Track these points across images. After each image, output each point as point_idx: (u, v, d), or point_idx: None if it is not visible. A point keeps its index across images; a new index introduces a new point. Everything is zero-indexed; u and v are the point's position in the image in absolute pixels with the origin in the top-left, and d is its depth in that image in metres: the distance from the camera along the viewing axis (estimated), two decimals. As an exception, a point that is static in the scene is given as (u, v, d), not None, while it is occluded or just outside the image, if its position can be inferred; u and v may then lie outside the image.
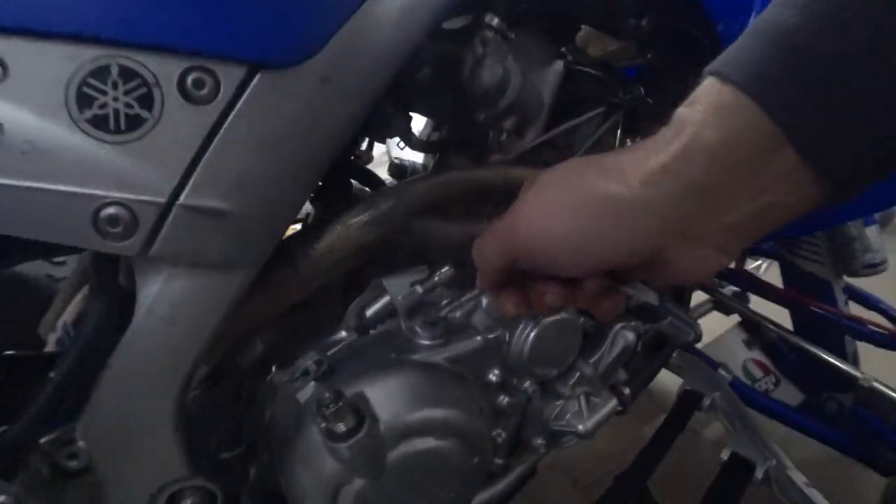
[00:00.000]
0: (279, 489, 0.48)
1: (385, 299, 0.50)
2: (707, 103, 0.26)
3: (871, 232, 0.71)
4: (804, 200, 0.25)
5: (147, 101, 0.32)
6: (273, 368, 0.50)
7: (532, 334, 0.50)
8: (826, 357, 0.68)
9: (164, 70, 0.32)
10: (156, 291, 0.36)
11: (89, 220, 0.32)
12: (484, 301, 0.50)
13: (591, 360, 0.56)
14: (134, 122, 0.32)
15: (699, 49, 0.56)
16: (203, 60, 0.33)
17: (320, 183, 0.49)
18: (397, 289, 0.50)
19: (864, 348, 0.78)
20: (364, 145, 0.67)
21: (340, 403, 0.39)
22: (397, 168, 0.67)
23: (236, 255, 0.38)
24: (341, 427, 0.39)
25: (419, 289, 0.49)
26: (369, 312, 0.50)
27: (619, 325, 0.57)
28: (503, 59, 0.51)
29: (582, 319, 0.54)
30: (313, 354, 0.44)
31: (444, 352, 0.50)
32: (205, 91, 0.33)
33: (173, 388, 0.39)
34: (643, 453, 0.61)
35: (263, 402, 0.50)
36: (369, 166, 0.64)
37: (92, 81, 0.31)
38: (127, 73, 0.32)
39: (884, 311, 0.82)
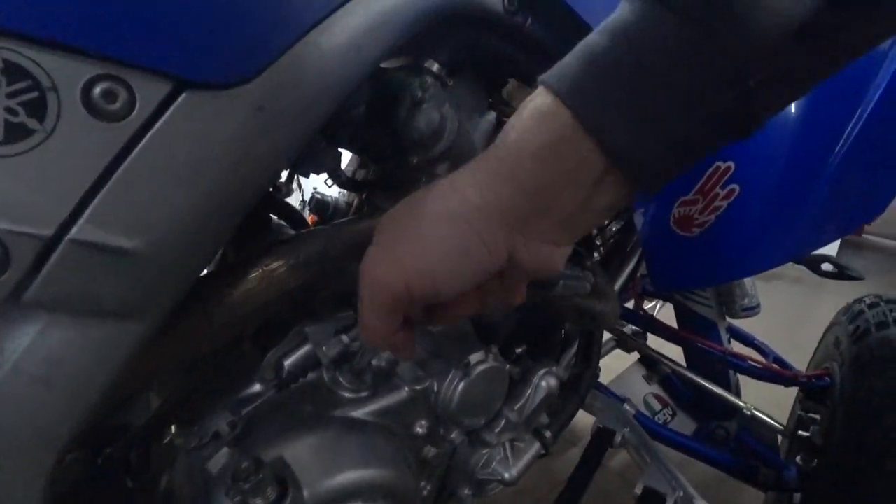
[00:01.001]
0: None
1: (306, 348, 0.46)
2: (532, 109, 0.28)
3: (748, 280, 0.83)
4: (617, 196, 0.29)
5: (38, 108, 0.26)
6: (172, 428, 0.42)
7: (461, 384, 0.49)
8: (713, 389, 0.77)
9: (65, 74, 0.27)
10: (27, 344, 0.29)
11: (-62, 254, 0.25)
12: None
13: (517, 407, 0.56)
14: (17, 132, 0.26)
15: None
16: (118, 69, 0.28)
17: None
18: (320, 337, 0.46)
19: (744, 380, 0.89)
20: (284, 177, 0.62)
21: (261, 475, 0.34)
22: (319, 203, 0.63)
23: (137, 303, 0.31)
24: (260, 502, 0.34)
25: (345, 338, 0.45)
26: (288, 363, 0.45)
27: (542, 371, 0.58)
28: (441, 104, 0.51)
29: (508, 367, 0.54)
30: (226, 414, 0.38)
31: (370, 405, 0.46)
32: (116, 105, 0.28)
33: (45, 462, 0.31)
34: (562, 495, 0.61)
35: (159, 469, 0.42)
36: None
37: (-38, 77, 0.25)
38: (14, 71, 0.26)
39: (758, 348, 0.95)
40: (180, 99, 0.30)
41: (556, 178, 0.28)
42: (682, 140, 0.26)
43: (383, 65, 0.52)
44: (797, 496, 0.81)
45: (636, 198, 0.31)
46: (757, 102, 0.25)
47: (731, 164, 0.49)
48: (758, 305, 0.86)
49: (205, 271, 0.42)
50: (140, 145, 0.29)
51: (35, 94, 0.26)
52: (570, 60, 0.28)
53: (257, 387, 0.45)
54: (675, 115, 0.26)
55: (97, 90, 0.27)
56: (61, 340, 0.30)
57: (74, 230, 0.27)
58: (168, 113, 0.30)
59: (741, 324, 0.94)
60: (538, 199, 0.28)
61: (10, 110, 0.26)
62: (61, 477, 0.40)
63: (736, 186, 0.49)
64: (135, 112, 0.29)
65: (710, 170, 0.51)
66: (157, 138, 0.29)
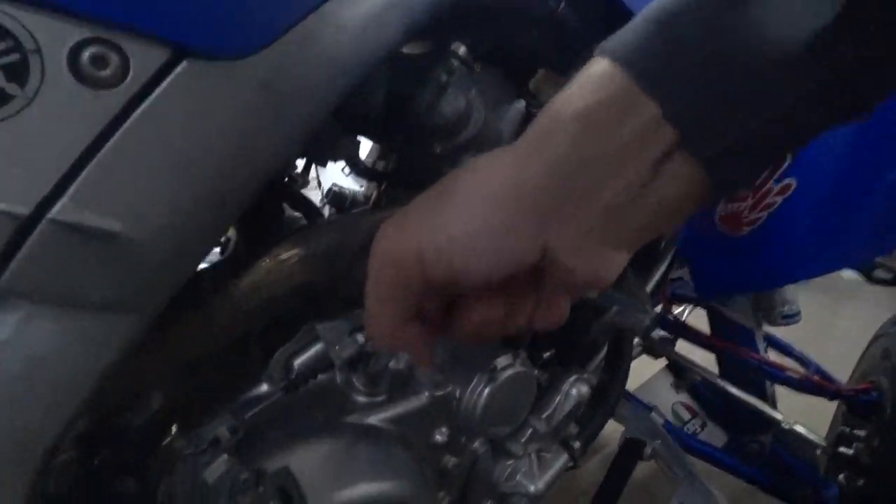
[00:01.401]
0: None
1: (318, 347, 0.43)
2: (583, 75, 0.24)
3: (789, 286, 0.77)
4: (684, 189, 0.23)
5: (18, 71, 0.23)
6: (173, 430, 0.40)
7: (486, 390, 0.45)
8: (749, 400, 0.71)
9: (50, 36, 0.24)
10: (4, 338, 0.26)
11: None
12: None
13: (544, 416, 0.52)
14: (-7, 99, 0.23)
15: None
16: (109, 33, 0.25)
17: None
18: (333, 336, 0.42)
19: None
20: (300, 167, 0.59)
21: (261, 488, 0.30)
22: (336, 196, 0.60)
23: (127, 295, 0.28)
24: (261, 518, 0.31)
25: (360, 337, 0.42)
26: (298, 363, 0.42)
27: (572, 378, 0.54)
28: (467, 91, 0.48)
29: (536, 372, 0.50)
30: (227, 418, 0.35)
31: (385, 411, 0.43)
32: (107, 72, 0.25)
33: (27, 469, 0.28)
34: (590, 509, 0.57)
35: (158, 474, 0.39)
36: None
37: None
38: (-8, 30, 0.23)
39: (798, 358, 0.89)
40: (179, 68, 0.27)
41: (602, 148, 0.22)
42: (764, 127, 0.22)
43: (405, 50, 0.48)
44: None
45: (708, 201, 0.24)
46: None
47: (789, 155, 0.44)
48: (798, 313, 0.79)
49: (206, 263, 0.39)
50: (132, 117, 0.26)
51: (16, 57, 0.23)
52: (632, 24, 0.24)
53: (264, 387, 0.41)
54: (762, 96, 0.21)
55: (86, 55, 0.24)
56: (44, 335, 0.27)
57: (55, 209, 0.24)
58: (165, 83, 0.27)
59: (777, 332, 0.88)
60: (577, 177, 0.23)
61: (-15, 72, 0.23)
62: (55, 479, 0.37)
63: (792, 181, 0.44)
64: (127, 80, 0.25)
65: (762, 162, 0.46)
66: (152, 110, 0.26)
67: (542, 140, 0.24)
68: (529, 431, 0.50)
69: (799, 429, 0.69)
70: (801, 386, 0.78)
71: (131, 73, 0.26)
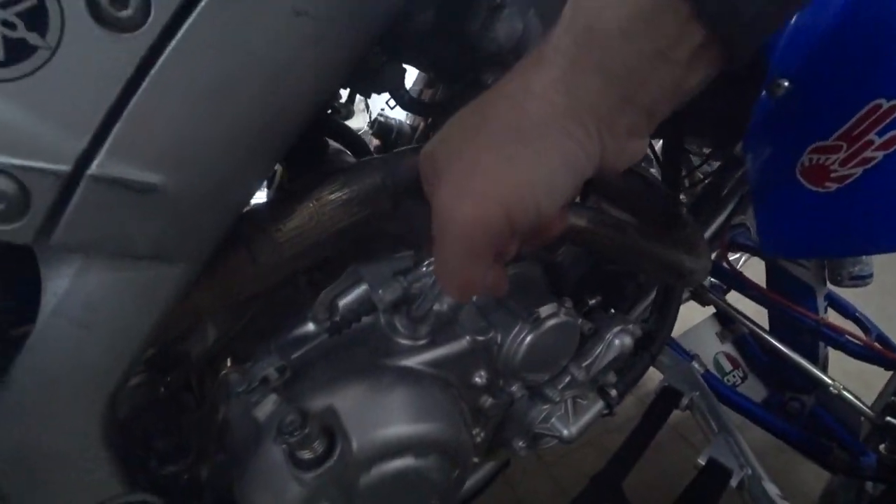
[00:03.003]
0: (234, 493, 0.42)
1: (362, 289, 0.43)
2: None
3: None
4: (707, 75, 0.24)
5: (38, 19, 0.22)
6: (228, 362, 0.42)
7: (528, 338, 0.45)
8: (799, 361, 0.68)
9: (66, -25, 0.22)
10: (65, 288, 0.27)
11: (-48, 194, 0.22)
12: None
13: (584, 364, 0.51)
14: (18, 51, 0.22)
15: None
16: (128, -34, 0.22)
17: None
18: (377, 279, 0.42)
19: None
20: (344, 97, 0.56)
21: (307, 429, 0.32)
22: (382, 127, 0.57)
23: (172, 245, 0.28)
24: (308, 454, 0.33)
25: (403, 280, 0.42)
26: (342, 304, 0.42)
27: (617, 328, 0.52)
28: (524, 11, 0.42)
29: (580, 321, 0.49)
30: (275, 359, 0.36)
31: (427, 353, 0.43)
32: (128, 11, 0.23)
33: (97, 403, 0.31)
34: (620, 452, 0.59)
35: (216, 400, 0.42)
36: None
37: (-55, -21, 0.20)
38: (5, -27, 0.21)
39: (859, 321, 0.83)
40: (203, 1, 0.24)
41: (649, 57, 0.23)
42: None
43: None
44: (869, 485, 0.74)
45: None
46: None
47: (900, 103, 0.37)
48: (870, 275, 0.72)
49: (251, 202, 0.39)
50: (160, 59, 0.24)
51: (33, 2, 0.21)
52: None
53: (310, 327, 0.43)
54: None
55: (105, -7, 0.22)
56: (98, 284, 0.27)
57: (94, 165, 0.24)
58: (190, 18, 0.24)
59: (841, 292, 0.81)
60: (630, 86, 0.24)
61: (7, 24, 0.21)
62: (129, 400, 0.41)
63: None
64: (150, 19, 0.23)
65: (866, 109, 0.38)
66: (179, 50, 0.24)
67: (586, 53, 0.23)
68: (568, 379, 0.50)
69: (848, 395, 0.66)
70: (859, 352, 0.73)
71: (153, 11, 0.23)
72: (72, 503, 0.35)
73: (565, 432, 0.51)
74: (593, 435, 0.99)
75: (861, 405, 0.66)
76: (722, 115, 0.65)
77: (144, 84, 0.24)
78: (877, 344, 0.75)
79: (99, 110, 0.23)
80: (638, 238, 0.46)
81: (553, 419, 0.51)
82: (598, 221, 0.44)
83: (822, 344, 0.78)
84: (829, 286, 0.78)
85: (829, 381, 0.66)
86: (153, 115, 0.25)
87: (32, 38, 0.22)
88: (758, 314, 0.81)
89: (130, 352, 0.30)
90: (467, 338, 0.45)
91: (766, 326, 0.77)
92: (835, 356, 0.81)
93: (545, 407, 0.51)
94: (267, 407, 0.35)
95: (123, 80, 0.24)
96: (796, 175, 0.43)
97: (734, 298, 0.84)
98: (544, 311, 0.45)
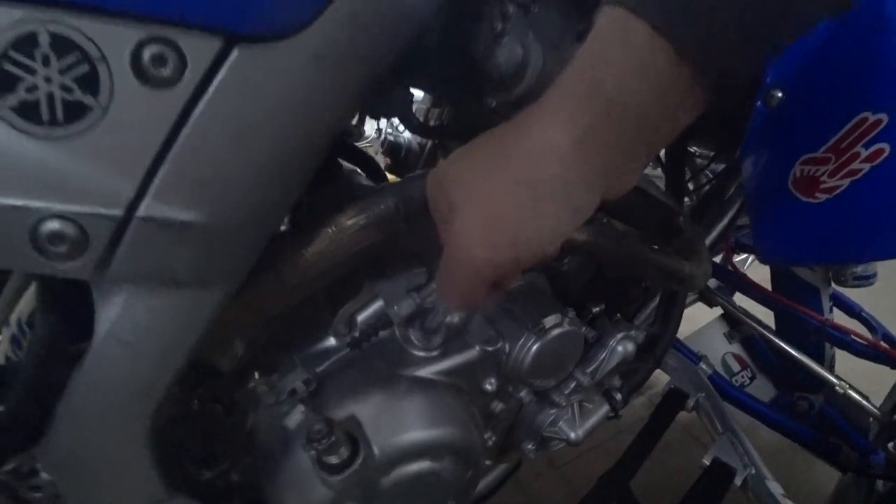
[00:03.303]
0: (262, 494, 0.45)
1: (378, 305, 0.46)
2: (605, 30, 0.25)
3: None
4: (699, 108, 0.26)
5: (91, 82, 0.25)
6: (256, 374, 0.45)
7: (535, 347, 0.47)
8: (805, 361, 0.69)
9: (111, 41, 0.25)
10: (116, 314, 0.30)
11: (26, 239, 0.25)
12: None
13: (589, 370, 0.54)
14: (75, 111, 0.25)
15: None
16: (164, 30, 0.26)
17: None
18: (392, 295, 0.45)
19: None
20: (355, 120, 0.59)
21: (334, 436, 0.35)
22: (391, 146, 0.60)
23: (209, 273, 0.32)
24: (334, 459, 0.36)
25: (416, 296, 0.44)
26: (360, 319, 0.45)
27: (620, 335, 0.54)
28: (523, 36, 0.44)
29: (584, 329, 0.51)
30: (301, 372, 0.40)
31: (440, 363, 0.46)
32: (167, 70, 0.26)
33: (143, 415, 0.34)
34: (627, 453, 0.61)
35: (245, 410, 0.45)
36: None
37: (15, 56, 0.24)
38: (61, 45, 0.24)
39: (865, 320, 0.84)
40: (232, 56, 0.27)
41: (650, 103, 0.25)
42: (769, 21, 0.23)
43: (458, -4, 0.45)
44: (880, 483, 0.75)
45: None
46: None
47: (884, 116, 0.38)
48: (874, 275, 0.73)
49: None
50: (195, 111, 0.27)
51: (86, 68, 0.24)
52: None
53: (331, 341, 0.46)
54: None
55: (146, 55, 0.25)
56: (145, 310, 0.31)
57: (142, 207, 0.27)
58: (220, 73, 0.27)
59: (849, 292, 0.82)
60: (634, 129, 0.26)
61: (65, 88, 0.24)
62: (166, 410, 0.45)
63: (886, 146, 0.38)
64: (186, 75, 0.26)
65: (853, 122, 0.40)
66: (212, 102, 0.27)
67: (603, 126, 0.25)
68: (573, 384, 0.53)
69: (853, 395, 0.67)
70: (865, 352, 0.74)
71: (189, 68, 0.26)
72: (117, 505, 0.38)
73: (572, 435, 0.53)
74: (604, 438, 1.01)
75: (867, 405, 0.68)
76: (725, 118, 0.67)
77: (183, 134, 0.27)
78: (883, 343, 0.76)
79: (145, 159, 0.27)
80: (636, 247, 0.49)
81: (560, 423, 0.54)
82: (597, 234, 0.46)
83: (828, 344, 0.79)
84: (835, 287, 0.79)
85: (836, 381, 0.67)
86: (191, 160, 0.28)
87: (87, 99, 0.25)
88: (767, 315, 0.82)
89: (173, 367, 0.33)
90: (477, 347, 0.47)
91: (773, 326, 0.78)
92: (849, 356, 0.82)
93: (552, 411, 0.53)
94: (296, 417, 0.38)
95: (165, 131, 0.27)
96: (788, 186, 0.45)
97: (743, 299, 0.85)
98: (549, 321, 0.47)
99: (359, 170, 0.57)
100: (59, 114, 0.25)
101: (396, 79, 0.47)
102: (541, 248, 0.27)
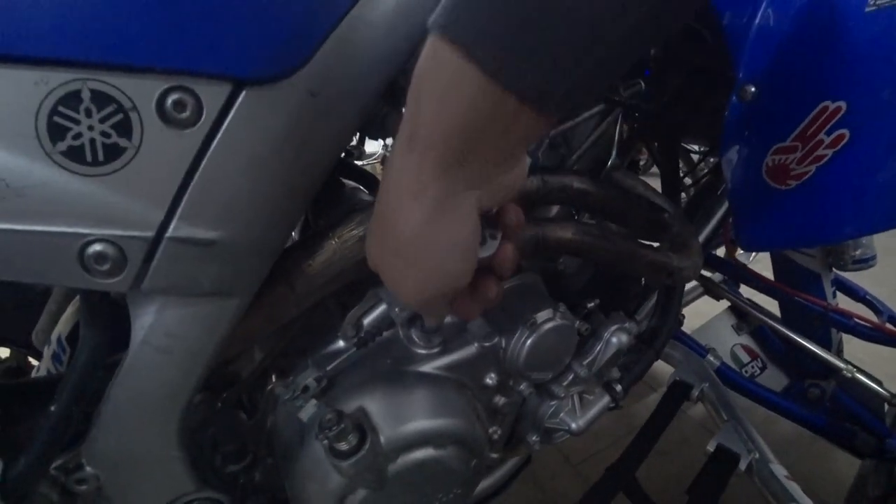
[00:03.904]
0: (283, 492, 0.49)
1: (381, 308, 0.50)
2: (432, 67, 0.25)
3: None
4: (538, 127, 0.26)
5: (125, 127, 0.30)
6: (273, 378, 0.50)
7: (528, 341, 0.50)
8: (811, 347, 0.70)
9: (140, 92, 0.30)
10: (150, 322, 0.35)
11: (75, 260, 0.31)
12: None
13: (585, 362, 0.56)
14: (113, 152, 0.30)
15: (702, 44, 0.54)
16: (183, 79, 0.31)
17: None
18: (394, 299, 0.49)
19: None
20: (355, 141, 0.65)
21: (343, 424, 0.39)
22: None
23: (230, 283, 0.36)
24: (344, 446, 0.40)
25: (416, 298, 0.48)
26: (367, 322, 0.50)
27: (613, 327, 0.57)
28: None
29: (577, 323, 0.54)
30: (312, 371, 0.44)
31: (441, 360, 0.50)
32: (187, 113, 0.31)
33: (174, 413, 0.39)
34: (633, 445, 0.63)
35: (265, 411, 0.50)
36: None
37: (63, 110, 0.29)
38: (100, 98, 0.29)
39: (869, 303, 0.84)
40: (240, 98, 0.32)
41: (472, 124, 0.25)
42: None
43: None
44: None
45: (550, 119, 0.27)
46: None
47: (843, 104, 0.41)
48: (873, 257, 0.74)
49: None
50: (212, 146, 0.32)
51: (121, 116, 0.30)
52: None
53: (340, 343, 0.50)
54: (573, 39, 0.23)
55: (169, 101, 0.31)
56: (175, 317, 0.36)
57: (171, 229, 0.32)
58: (232, 112, 0.32)
59: (850, 275, 0.82)
60: (474, 146, 0.26)
61: (104, 134, 0.30)
62: (191, 415, 0.50)
63: (846, 132, 0.41)
64: (203, 116, 0.31)
65: (816, 111, 0.43)
66: (225, 139, 0.32)
67: (419, 154, 0.27)
68: (571, 376, 0.56)
69: (862, 378, 0.67)
70: (869, 335, 0.74)
71: (205, 111, 0.31)
72: (154, 498, 0.43)
73: (573, 425, 0.56)
74: (619, 434, 1.02)
75: (878, 388, 0.68)
76: (716, 114, 0.70)
77: (202, 166, 0.32)
78: (889, 325, 0.76)
79: (171, 188, 0.32)
80: (622, 243, 0.52)
81: (562, 414, 0.56)
82: (582, 232, 0.50)
83: (833, 330, 0.80)
84: (838, 272, 0.79)
85: (843, 366, 0.68)
86: (211, 188, 0.33)
87: (122, 141, 0.30)
88: (773, 305, 0.83)
89: (198, 370, 0.38)
90: (475, 344, 0.51)
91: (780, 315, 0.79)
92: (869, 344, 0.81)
93: (553, 403, 0.56)
94: (309, 410, 0.42)
95: (187, 164, 0.32)
96: (762, 175, 0.48)
97: (751, 292, 0.86)
98: (541, 316, 0.51)
99: (360, 187, 0.62)
100: (100, 155, 0.30)
101: (390, 106, 0.52)
102: (450, 276, 0.30)
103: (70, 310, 0.53)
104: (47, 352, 0.52)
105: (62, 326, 0.52)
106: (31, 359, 0.64)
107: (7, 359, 0.66)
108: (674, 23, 0.25)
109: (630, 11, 0.22)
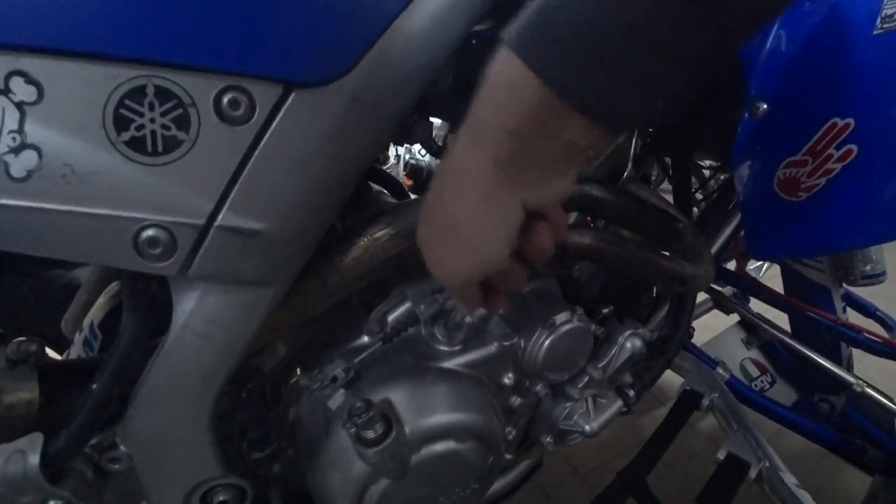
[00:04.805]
0: (303, 483, 0.50)
1: (406, 306, 0.52)
2: (498, 77, 0.27)
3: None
4: (596, 137, 0.28)
5: (183, 122, 0.33)
6: (298, 371, 0.51)
7: (547, 342, 0.52)
8: (821, 362, 0.71)
9: (200, 90, 0.33)
10: (191, 307, 0.37)
11: (130, 243, 0.33)
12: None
13: (600, 365, 0.58)
14: (171, 144, 0.33)
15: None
16: (239, 80, 0.33)
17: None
18: (418, 297, 0.51)
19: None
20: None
21: (371, 412, 0.40)
22: (413, 169, 0.67)
23: (269, 273, 0.38)
24: (371, 434, 0.41)
25: (440, 297, 0.50)
26: (391, 318, 0.51)
27: (628, 332, 0.59)
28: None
29: (593, 326, 0.56)
30: (341, 362, 0.46)
31: (462, 357, 0.51)
32: (241, 111, 0.34)
33: (208, 397, 0.41)
34: (643, 451, 0.63)
35: (288, 403, 0.51)
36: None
37: (128, 103, 0.31)
38: (163, 94, 0.32)
39: (880, 319, 0.85)
40: (290, 100, 0.35)
41: (532, 137, 0.28)
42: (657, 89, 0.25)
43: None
44: None
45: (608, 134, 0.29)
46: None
47: (851, 120, 0.43)
48: (883, 272, 0.75)
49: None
50: (262, 143, 0.34)
51: (180, 111, 0.32)
52: (528, 16, 0.26)
53: (365, 339, 0.52)
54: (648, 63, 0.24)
55: (225, 100, 0.33)
56: (216, 304, 0.38)
57: (220, 218, 0.34)
58: (281, 113, 0.35)
59: (861, 291, 0.83)
60: (524, 160, 0.29)
61: (164, 126, 0.32)
62: (220, 403, 0.51)
63: (854, 147, 0.43)
64: (255, 115, 0.34)
65: (826, 127, 0.45)
66: (274, 136, 0.35)
67: (503, 151, 0.29)
68: (586, 378, 0.57)
69: (872, 393, 0.68)
70: (880, 350, 0.75)
71: (258, 110, 0.34)
72: (182, 480, 0.44)
73: (587, 427, 0.57)
74: (627, 446, 1.02)
75: (887, 402, 0.68)
76: (727, 130, 0.72)
77: (252, 161, 0.34)
78: (898, 341, 0.76)
79: (222, 180, 0.34)
80: (638, 250, 0.53)
81: (576, 416, 0.58)
82: (599, 239, 0.52)
83: (843, 345, 0.81)
84: (848, 288, 0.80)
85: (853, 380, 0.69)
86: (258, 181, 0.35)
87: (181, 135, 0.33)
88: (783, 320, 0.84)
89: (236, 355, 0.40)
90: (495, 343, 0.52)
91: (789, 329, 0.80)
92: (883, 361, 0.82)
93: (567, 405, 0.57)
94: (337, 399, 0.44)
95: (238, 158, 0.34)
96: (774, 188, 0.50)
97: (762, 306, 0.87)
98: (559, 318, 0.52)
99: (385, 190, 0.65)
100: (160, 146, 0.32)
101: (419, 113, 0.55)
102: (485, 262, 0.32)
103: (102, 299, 0.55)
104: (78, 338, 0.54)
105: (94, 314, 0.54)
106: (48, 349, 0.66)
107: (23, 341, 0.68)
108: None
109: (703, 33, 0.24)
